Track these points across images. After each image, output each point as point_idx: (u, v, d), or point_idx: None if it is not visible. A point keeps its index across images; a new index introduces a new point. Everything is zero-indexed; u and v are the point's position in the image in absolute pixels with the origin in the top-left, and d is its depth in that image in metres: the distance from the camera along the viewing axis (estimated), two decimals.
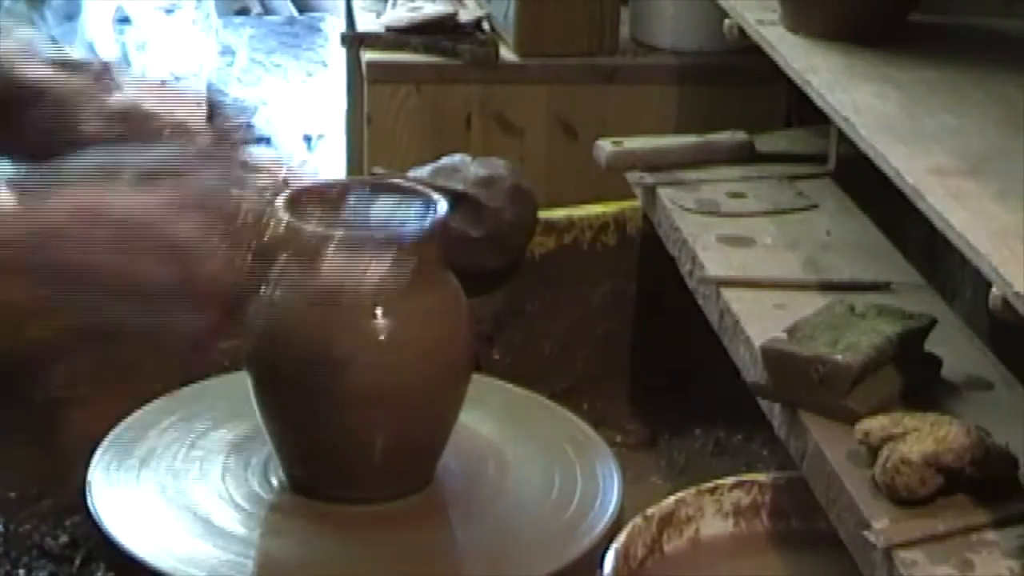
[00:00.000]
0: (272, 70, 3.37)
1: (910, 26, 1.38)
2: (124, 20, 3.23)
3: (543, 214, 1.44)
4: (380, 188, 1.20)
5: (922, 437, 0.97)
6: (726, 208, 1.44)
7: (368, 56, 1.81)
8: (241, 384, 1.18)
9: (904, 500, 0.97)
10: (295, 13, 3.70)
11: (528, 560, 1.11)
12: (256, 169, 0.99)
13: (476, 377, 1.18)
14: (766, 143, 1.57)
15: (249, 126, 1.04)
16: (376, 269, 1.08)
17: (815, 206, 1.46)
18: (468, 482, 1.18)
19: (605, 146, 1.50)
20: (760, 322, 1.22)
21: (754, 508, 1.16)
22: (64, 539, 1.23)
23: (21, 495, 1.24)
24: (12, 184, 0.92)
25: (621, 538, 1.08)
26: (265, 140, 3.98)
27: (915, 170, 1.05)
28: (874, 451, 0.99)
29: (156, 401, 1.25)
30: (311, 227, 1.09)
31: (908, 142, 1.11)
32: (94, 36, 3.14)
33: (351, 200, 1.16)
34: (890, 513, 0.97)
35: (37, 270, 0.87)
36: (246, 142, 1.03)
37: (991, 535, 0.95)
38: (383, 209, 1.15)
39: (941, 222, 0.99)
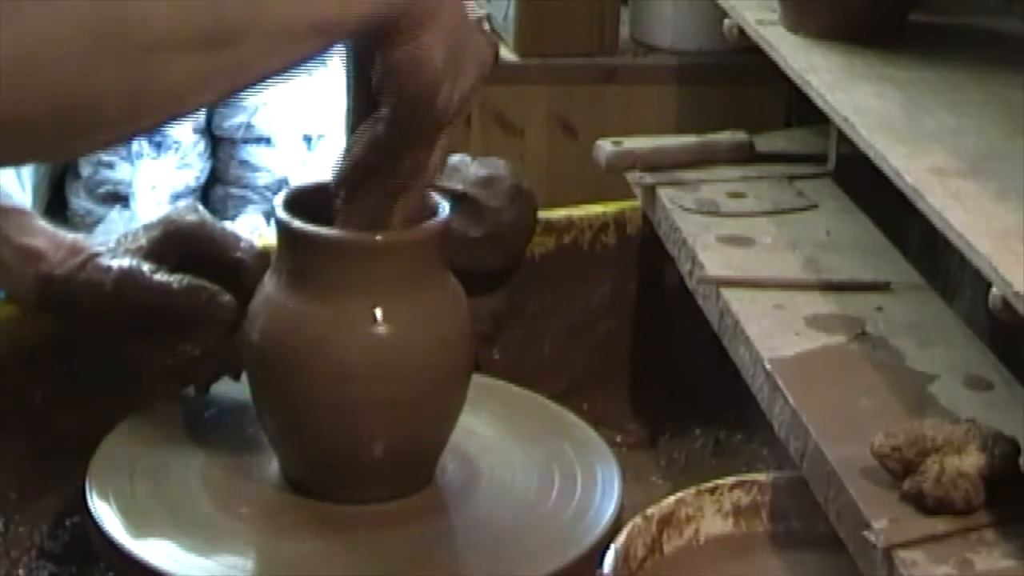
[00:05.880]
0: None
1: (910, 26, 1.38)
2: None
3: (543, 214, 1.44)
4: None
5: (967, 448, 0.96)
6: (726, 208, 1.44)
7: None
8: (241, 384, 1.18)
9: (957, 511, 0.96)
10: None
11: (528, 560, 1.11)
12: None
13: (476, 377, 1.18)
14: (766, 143, 1.57)
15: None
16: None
17: (815, 206, 1.45)
18: (468, 482, 1.18)
19: (605, 146, 1.50)
20: (760, 322, 1.22)
21: (754, 508, 1.16)
22: (64, 539, 1.22)
23: (21, 495, 1.23)
24: None
25: (621, 538, 1.08)
26: (265, 140, 3.97)
27: (915, 170, 1.05)
28: (905, 465, 0.98)
29: (156, 401, 1.25)
30: (310, 227, 1.10)
31: (908, 142, 1.11)
32: None
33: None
34: (890, 513, 0.97)
35: None
36: None
37: (991, 535, 0.95)
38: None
39: (941, 222, 0.99)
